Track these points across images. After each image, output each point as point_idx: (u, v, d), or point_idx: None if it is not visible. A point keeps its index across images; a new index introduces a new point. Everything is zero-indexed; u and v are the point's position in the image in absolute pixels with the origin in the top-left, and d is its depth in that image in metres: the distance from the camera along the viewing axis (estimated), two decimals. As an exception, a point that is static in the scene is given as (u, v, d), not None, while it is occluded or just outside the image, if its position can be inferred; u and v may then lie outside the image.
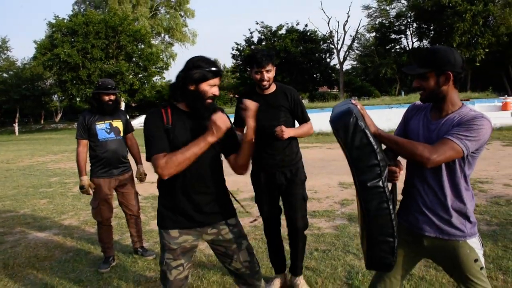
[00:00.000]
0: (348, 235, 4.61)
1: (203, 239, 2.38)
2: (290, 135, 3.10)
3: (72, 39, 32.78)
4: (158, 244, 4.66)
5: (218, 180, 2.35)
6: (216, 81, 2.22)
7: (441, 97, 1.94)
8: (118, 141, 4.13)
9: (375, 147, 1.80)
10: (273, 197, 3.32)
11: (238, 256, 2.39)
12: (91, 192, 4.07)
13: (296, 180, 3.25)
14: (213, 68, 2.18)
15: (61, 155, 16.34)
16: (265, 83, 3.10)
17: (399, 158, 2.08)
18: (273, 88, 3.22)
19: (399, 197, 2.17)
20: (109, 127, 4.07)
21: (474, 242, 1.99)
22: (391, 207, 1.83)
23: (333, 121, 1.90)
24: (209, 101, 2.22)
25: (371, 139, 1.80)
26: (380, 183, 1.80)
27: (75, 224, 5.77)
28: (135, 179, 4.38)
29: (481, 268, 1.97)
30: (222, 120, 2.14)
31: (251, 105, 2.24)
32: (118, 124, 4.13)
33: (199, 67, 2.16)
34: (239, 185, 7.23)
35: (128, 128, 4.30)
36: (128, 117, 4.35)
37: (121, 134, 4.16)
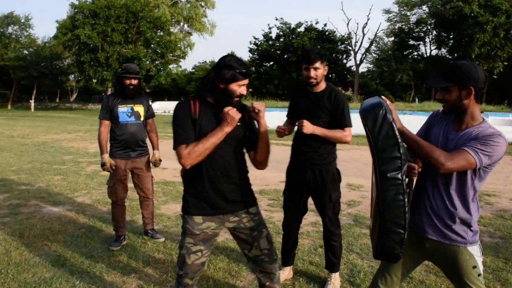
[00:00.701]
0: (353, 235, 4.71)
1: (225, 227, 2.51)
2: (310, 132, 3.09)
3: (93, 22, 33.14)
4: (167, 228, 4.83)
5: (241, 170, 2.48)
6: (245, 81, 2.33)
7: (462, 110, 2.03)
8: (138, 125, 4.26)
9: (399, 140, 1.91)
10: (300, 194, 3.38)
11: (258, 244, 2.52)
12: (110, 170, 4.22)
13: (325, 180, 3.27)
14: (244, 70, 2.29)
15: (75, 134, 16.60)
16: (312, 80, 3.15)
17: None
18: (322, 86, 3.25)
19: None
20: (130, 111, 4.21)
21: (474, 250, 2.08)
22: (406, 199, 1.92)
23: (363, 111, 2.00)
24: (237, 99, 2.34)
25: (397, 132, 1.91)
26: (399, 176, 1.90)
27: (87, 202, 5.94)
28: (151, 164, 4.50)
29: (479, 275, 2.07)
30: (234, 111, 2.26)
31: (260, 106, 2.35)
32: (140, 108, 4.27)
33: (230, 67, 2.27)
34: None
35: (149, 114, 4.43)
36: (150, 103, 4.50)
37: (142, 118, 4.29)
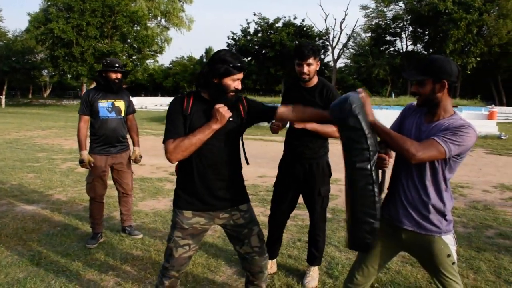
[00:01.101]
0: (331, 228, 4.76)
1: (215, 223, 2.51)
2: (301, 127, 3.09)
3: (68, 15, 32.41)
4: (145, 224, 4.78)
5: (232, 167, 2.47)
6: (239, 75, 2.32)
7: (436, 103, 2.09)
8: (118, 121, 4.20)
9: (366, 132, 1.96)
10: (289, 188, 3.39)
11: (248, 241, 2.52)
12: (89, 166, 4.14)
13: (314, 174, 3.29)
14: (238, 63, 2.27)
15: (49, 131, 16.26)
16: (305, 76, 3.17)
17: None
18: (314, 82, 3.27)
19: (386, 190, 2.32)
20: (111, 106, 4.14)
21: (449, 239, 2.14)
22: (375, 190, 1.98)
23: (331, 107, 2.08)
24: (232, 94, 2.32)
25: (363, 124, 1.96)
26: (368, 166, 1.97)
27: (63, 200, 5.83)
28: (131, 160, 4.46)
29: (453, 263, 2.13)
30: (224, 109, 2.24)
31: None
32: (120, 104, 4.22)
33: (224, 62, 2.25)
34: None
35: (130, 109, 4.37)
36: (131, 98, 4.45)
37: (122, 114, 4.23)
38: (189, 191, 2.42)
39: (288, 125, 3.29)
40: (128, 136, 4.40)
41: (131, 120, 4.43)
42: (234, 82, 2.31)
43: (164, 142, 2.29)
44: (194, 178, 2.39)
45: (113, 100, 4.17)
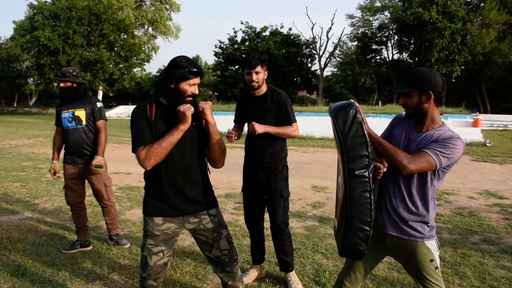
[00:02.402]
0: (318, 235, 4.78)
1: (185, 228, 2.52)
2: (262, 131, 3.24)
3: (54, 23, 32.16)
4: (132, 233, 4.76)
5: (200, 171, 2.49)
6: (196, 80, 2.34)
7: (423, 113, 2.16)
8: (79, 131, 4.09)
9: (368, 139, 1.98)
10: (255, 191, 3.49)
11: (218, 245, 2.54)
12: (53, 176, 4.31)
13: (275, 177, 3.38)
14: (193, 69, 2.31)
15: (35, 139, 16.09)
16: (254, 84, 3.30)
17: None
18: (263, 90, 3.40)
19: None
20: (71, 116, 4.07)
21: (431, 244, 2.19)
22: (372, 197, 2.00)
23: (334, 110, 2.07)
24: (189, 99, 2.35)
25: (365, 132, 1.99)
26: (366, 174, 1.98)
27: (49, 209, 5.77)
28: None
29: (436, 268, 2.18)
30: (185, 107, 2.26)
31: (204, 104, 2.37)
32: (80, 113, 4.09)
33: (180, 67, 2.29)
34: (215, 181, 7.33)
35: (96, 117, 4.17)
36: (98, 105, 4.20)
37: (83, 123, 4.09)
38: (158, 197, 2.43)
39: (246, 131, 3.38)
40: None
41: (98, 127, 4.17)
42: (191, 87, 2.34)
43: (133, 150, 2.32)
44: (162, 183, 2.40)
45: (74, 110, 4.08)
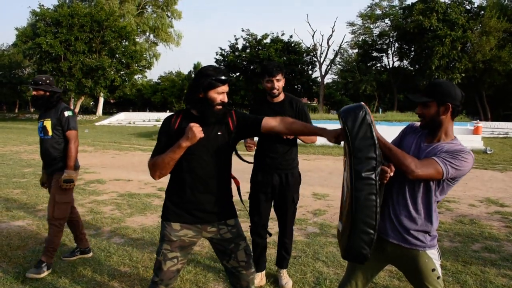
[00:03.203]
0: (319, 243, 4.77)
1: (202, 236, 2.53)
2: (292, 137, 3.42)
3: (56, 30, 32.29)
4: (133, 240, 4.75)
5: (223, 182, 2.51)
6: (224, 88, 2.36)
7: (438, 125, 2.16)
8: (47, 141, 3.97)
9: (376, 142, 1.98)
10: (265, 197, 3.55)
11: (235, 256, 2.54)
12: (42, 186, 4.32)
13: (289, 183, 3.51)
14: (221, 76, 2.33)
15: (36, 146, 16.09)
16: (275, 91, 3.43)
17: None
18: (281, 97, 3.52)
19: None
20: (41, 126, 3.98)
21: (433, 253, 2.19)
22: (378, 200, 1.98)
23: (344, 111, 2.07)
24: (218, 107, 2.36)
25: (374, 134, 1.98)
26: (373, 176, 1.96)
27: (49, 216, 5.76)
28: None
29: (438, 278, 2.17)
30: (197, 128, 2.25)
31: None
32: (47, 123, 3.94)
33: (207, 76, 2.31)
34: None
35: (63, 127, 3.94)
36: (66, 115, 3.95)
37: (50, 134, 3.93)
38: (178, 203, 2.46)
39: (256, 138, 3.36)
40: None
41: (67, 137, 3.93)
42: (220, 95, 2.35)
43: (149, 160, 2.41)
44: (183, 190, 2.43)
45: (43, 120, 3.96)
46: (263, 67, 3.48)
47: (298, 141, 3.63)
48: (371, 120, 2.00)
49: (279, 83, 3.42)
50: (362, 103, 2.10)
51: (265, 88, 3.48)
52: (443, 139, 2.17)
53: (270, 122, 2.48)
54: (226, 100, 2.38)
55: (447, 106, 2.11)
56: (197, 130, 2.24)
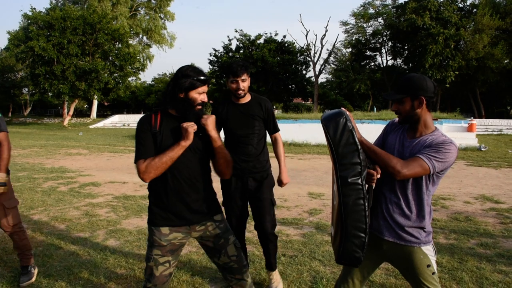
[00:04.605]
0: (315, 242, 4.78)
1: (191, 236, 2.52)
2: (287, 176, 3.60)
3: (48, 33, 32.17)
4: (129, 242, 4.73)
5: (205, 179, 2.51)
6: (204, 88, 2.39)
7: (416, 119, 2.18)
8: None
9: (359, 147, 2.00)
10: (243, 201, 3.47)
11: (225, 251, 2.54)
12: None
13: (265, 185, 3.42)
14: (201, 77, 2.35)
15: (30, 149, 16.03)
16: (240, 92, 3.29)
17: None
18: (248, 98, 3.40)
19: None
20: None
21: (428, 249, 2.20)
22: (366, 204, 2.01)
23: (325, 119, 2.08)
24: (198, 107, 2.38)
25: (356, 139, 2.00)
26: (359, 181, 1.99)
27: (44, 220, 5.74)
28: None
29: (433, 273, 2.18)
30: (189, 125, 2.30)
31: (205, 120, 2.39)
32: None
33: (188, 76, 2.33)
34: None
35: None
36: None
37: None
38: (164, 206, 2.44)
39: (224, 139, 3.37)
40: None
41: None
42: (200, 95, 2.38)
43: (135, 162, 2.34)
44: (169, 192, 2.41)
45: None
46: (227, 66, 3.35)
47: (268, 140, 3.52)
48: (352, 126, 2.02)
49: (245, 83, 3.28)
50: (342, 108, 2.12)
51: (229, 89, 3.33)
52: (424, 132, 2.19)
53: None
54: (205, 100, 2.41)
55: (420, 100, 2.13)
56: (190, 127, 2.29)
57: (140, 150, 2.35)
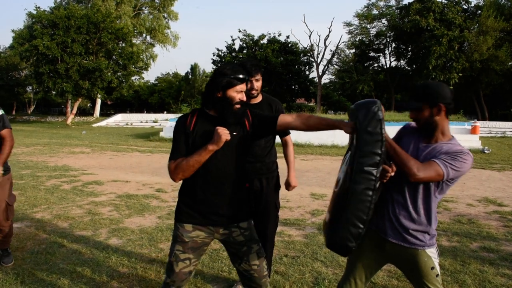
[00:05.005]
0: (317, 243, 4.77)
1: (215, 238, 2.52)
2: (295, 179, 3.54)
3: (52, 32, 32.23)
4: (131, 241, 4.74)
5: (237, 183, 2.47)
6: (242, 87, 2.35)
7: (434, 126, 2.16)
8: None
9: (383, 139, 1.97)
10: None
11: (247, 259, 2.50)
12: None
13: (270, 188, 3.37)
14: (239, 75, 2.31)
15: (33, 147, 16.08)
16: (253, 91, 3.23)
17: None
18: (259, 98, 3.36)
19: None
20: None
21: (432, 252, 2.20)
22: (374, 197, 1.97)
23: (357, 104, 2.08)
24: (237, 106, 2.34)
25: (383, 130, 1.98)
26: (375, 172, 1.96)
27: (47, 218, 5.75)
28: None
29: (437, 276, 2.18)
30: (223, 131, 2.25)
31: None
32: None
33: (225, 75, 2.30)
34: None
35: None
36: (1, 113, 3.90)
37: None
38: (191, 204, 2.44)
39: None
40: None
41: (3, 136, 3.90)
42: (238, 93, 2.33)
43: (168, 161, 2.35)
44: (196, 191, 2.40)
45: None
46: (240, 65, 3.28)
47: (278, 141, 3.49)
48: (382, 117, 2.00)
49: (258, 83, 3.22)
50: (377, 99, 2.09)
51: None
52: (441, 139, 2.17)
53: (286, 118, 2.38)
54: (244, 98, 2.36)
55: (439, 107, 2.12)
56: (223, 132, 2.24)
57: (172, 151, 2.38)
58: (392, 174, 2.09)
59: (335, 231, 2.04)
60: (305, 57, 45.36)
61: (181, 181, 2.49)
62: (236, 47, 44.60)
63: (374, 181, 1.96)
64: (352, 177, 1.97)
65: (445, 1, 37.89)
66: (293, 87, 44.97)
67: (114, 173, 9.87)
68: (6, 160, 3.78)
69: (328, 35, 45.85)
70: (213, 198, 2.40)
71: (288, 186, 3.54)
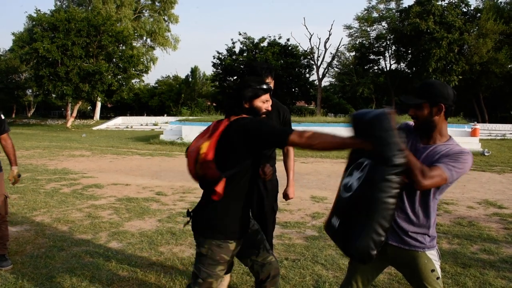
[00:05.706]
0: (317, 246, 4.77)
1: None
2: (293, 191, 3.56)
3: (53, 35, 32.28)
4: (131, 245, 4.73)
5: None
6: (267, 97, 2.45)
7: (432, 126, 2.15)
8: None
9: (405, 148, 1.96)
10: None
11: (264, 245, 2.69)
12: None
13: (268, 192, 3.36)
14: (263, 86, 2.41)
15: (33, 151, 16.06)
16: None
17: None
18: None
19: None
20: None
21: (432, 254, 2.19)
22: (395, 205, 1.97)
23: (373, 114, 2.01)
24: (264, 116, 2.46)
25: (405, 139, 2.02)
26: (398, 179, 1.95)
27: (47, 221, 5.75)
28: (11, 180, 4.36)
29: (437, 278, 2.18)
30: (270, 172, 2.74)
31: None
32: None
33: (249, 86, 2.39)
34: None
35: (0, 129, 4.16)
36: (1, 117, 4.18)
37: None
38: (238, 219, 2.39)
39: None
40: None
41: (4, 139, 4.20)
42: (264, 103, 2.43)
43: (283, 134, 2.18)
44: (243, 204, 2.41)
45: None
46: (251, 68, 3.19)
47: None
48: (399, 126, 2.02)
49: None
50: (386, 109, 2.03)
51: None
52: (439, 140, 2.17)
53: (295, 140, 2.16)
54: (270, 109, 2.48)
55: (440, 107, 2.11)
56: (269, 172, 2.81)
57: (278, 128, 2.48)
58: (406, 180, 2.04)
59: (356, 239, 2.00)
60: (305, 60, 45.39)
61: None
62: (237, 50, 44.63)
63: (398, 189, 1.96)
64: (376, 184, 1.95)
65: (445, 4, 37.95)
66: (293, 89, 44.95)
67: (114, 176, 9.86)
68: (16, 159, 4.17)
69: (328, 38, 45.92)
70: (249, 207, 2.56)
71: (286, 197, 3.55)
